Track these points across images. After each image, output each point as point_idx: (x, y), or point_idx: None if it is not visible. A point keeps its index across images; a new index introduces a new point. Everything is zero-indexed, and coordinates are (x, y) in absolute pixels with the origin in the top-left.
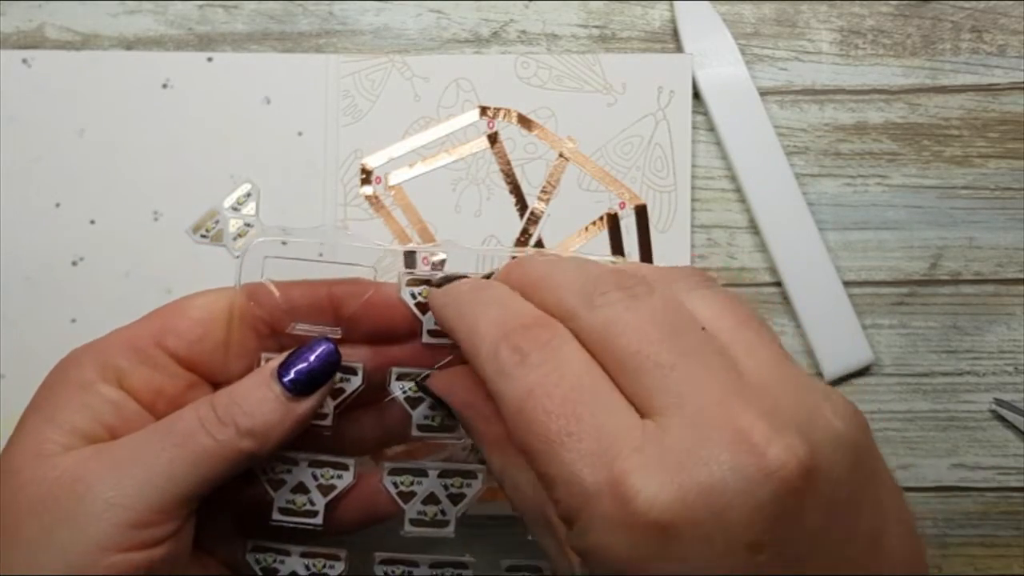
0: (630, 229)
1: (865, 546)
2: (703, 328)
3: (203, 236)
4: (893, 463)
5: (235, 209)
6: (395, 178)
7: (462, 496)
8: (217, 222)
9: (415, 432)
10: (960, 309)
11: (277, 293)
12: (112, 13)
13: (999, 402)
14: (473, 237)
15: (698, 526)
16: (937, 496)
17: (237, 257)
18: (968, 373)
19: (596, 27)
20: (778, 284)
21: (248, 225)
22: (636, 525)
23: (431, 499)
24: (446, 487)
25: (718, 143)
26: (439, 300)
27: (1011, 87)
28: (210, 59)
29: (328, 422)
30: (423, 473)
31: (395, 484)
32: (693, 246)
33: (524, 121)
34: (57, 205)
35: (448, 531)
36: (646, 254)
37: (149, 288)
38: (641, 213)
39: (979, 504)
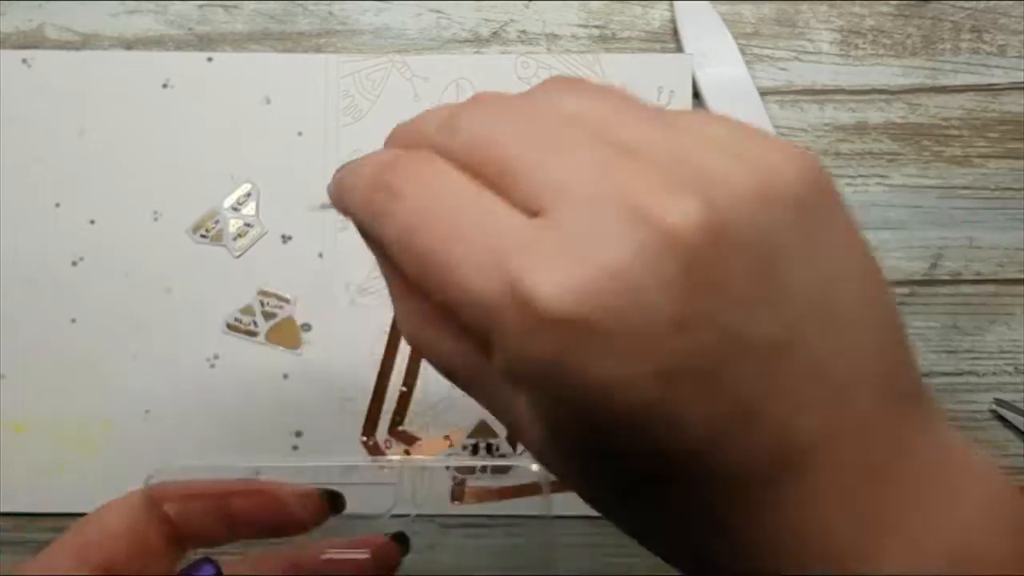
0: None
1: (807, 306)
2: (574, 118)
3: (203, 236)
4: None
5: (235, 209)
6: None
7: None
8: (217, 222)
9: None
10: (960, 309)
11: (172, 513)
12: (112, 13)
13: (999, 402)
14: None
15: (611, 313)
16: None
17: (237, 257)
18: (968, 373)
19: (596, 27)
20: None
21: (248, 225)
22: (545, 327)
23: None
24: None
25: None
26: (333, 186)
27: (1011, 87)
28: (210, 59)
29: None
30: None
31: None
32: None
33: None
34: (57, 205)
35: None
36: None
37: (149, 288)
38: None
39: None
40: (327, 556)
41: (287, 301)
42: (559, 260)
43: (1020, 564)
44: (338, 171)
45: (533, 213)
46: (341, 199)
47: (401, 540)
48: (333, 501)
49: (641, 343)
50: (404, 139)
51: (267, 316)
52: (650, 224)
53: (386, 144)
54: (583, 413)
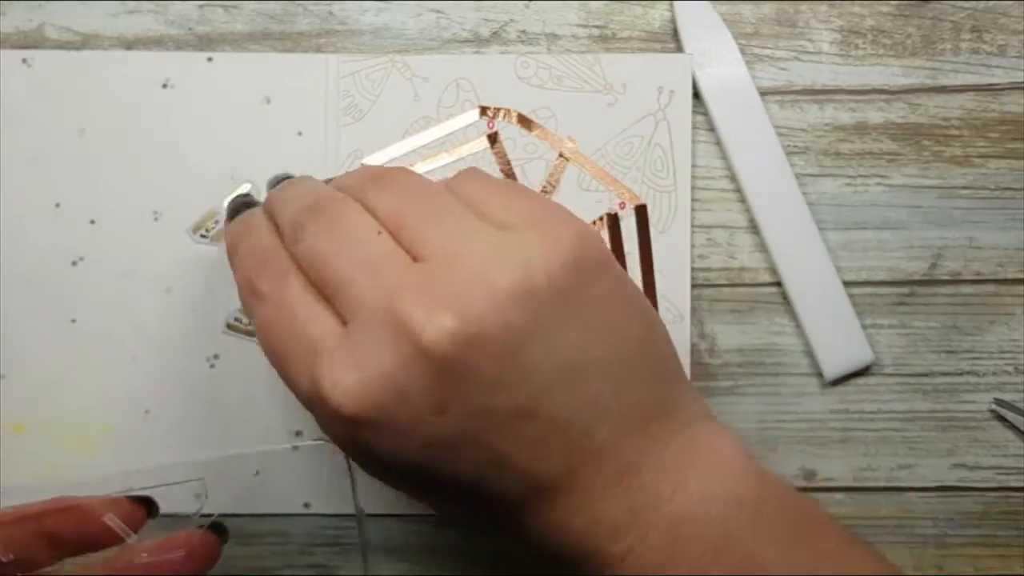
0: (630, 229)
1: (554, 372)
2: (379, 232)
3: (203, 236)
4: (893, 463)
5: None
6: None
7: None
8: (217, 222)
9: None
10: (960, 309)
11: None
12: (112, 13)
13: (999, 402)
14: None
15: (385, 410)
16: (937, 496)
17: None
18: (968, 373)
19: (596, 27)
20: (778, 284)
21: None
22: (340, 419)
23: None
24: None
25: (718, 143)
26: (226, 237)
27: (1011, 87)
28: (210, 59)
29: None
30: None
31: None
32: (693, 246)
33: (524, 121)
34: (57, 205)
35: None
36: (646, 254)
37: (149, 288)
38: (641, 213)
39: (979, 504)
40: (141, 560)
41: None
42: (347, 367)
43: (725, 525)
44: (228, 225)
45: (342, 320)
46: (230, 261)
47: (218, 530)
48: (146, 505)
49: (408, 426)
50: (274, 218)
51: None
52: (411, 339)
53: (269, 202)
54: (377, 469)
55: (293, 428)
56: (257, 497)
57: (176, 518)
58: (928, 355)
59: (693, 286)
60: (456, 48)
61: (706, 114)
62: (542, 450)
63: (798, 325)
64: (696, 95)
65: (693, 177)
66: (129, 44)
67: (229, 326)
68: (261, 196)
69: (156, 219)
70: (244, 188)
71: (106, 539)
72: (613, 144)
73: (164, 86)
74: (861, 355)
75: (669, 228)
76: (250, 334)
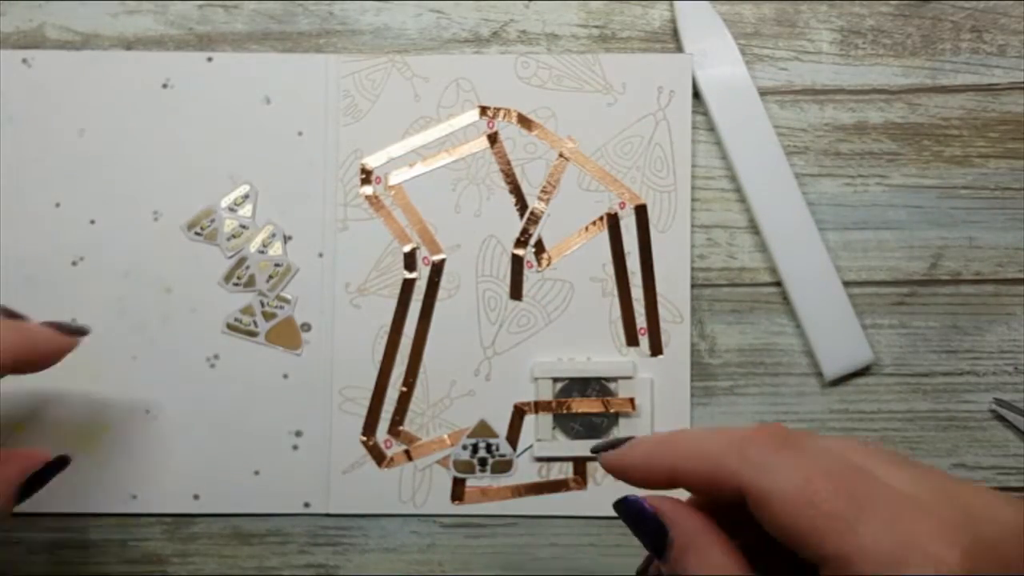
0: (630, 229)
1: None
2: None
3: (197, 234)
4: None
5: (231, 210)
6: (395, 178)
7: None
8: (212, 220)
9: None
10: (960, 309)
11: None
12: (112, 13)
13: (999, 402)
14: (473, 237)
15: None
16: None
17: (229, 258)
18: (968, 373)
19: (596, 27)
20: (778, 284)
21: (243, 227)
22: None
23: None
24: None
25: (718, 143)
26: (617, 459)
27: (1011, 87)
28: (210, 59)
29: None
30: None
31: None
32: (693, 246)
33: (524, 121)
34: (57, 205)
35: None
36: (646, 254)
37: (149, 288)
38: (641, 213)
39: None
40: None
41: (287, 301)
42: (944, 537)
43: None
44: (613, 447)
45: None
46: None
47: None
48: (71, 331)
49: None
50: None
51: (267, 316)
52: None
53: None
54: None
55: (293, 429)
56: (257, 497)
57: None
58: (928, 355)
59: (693, 286)
60: (456, 48)
61: (706, 114)
62: None
63: (798, 325)
64: (696, 95)
65: (693, 177)
66: (129, 44)
67: (229, 326)
68: (260, 197)
69: (156, 219)
70: (243, 189)
71: (37, 360)
72: (613, 144)
73: (164, 86)
74: (861, 355)
75: (669, 228)
76: (251, 334)
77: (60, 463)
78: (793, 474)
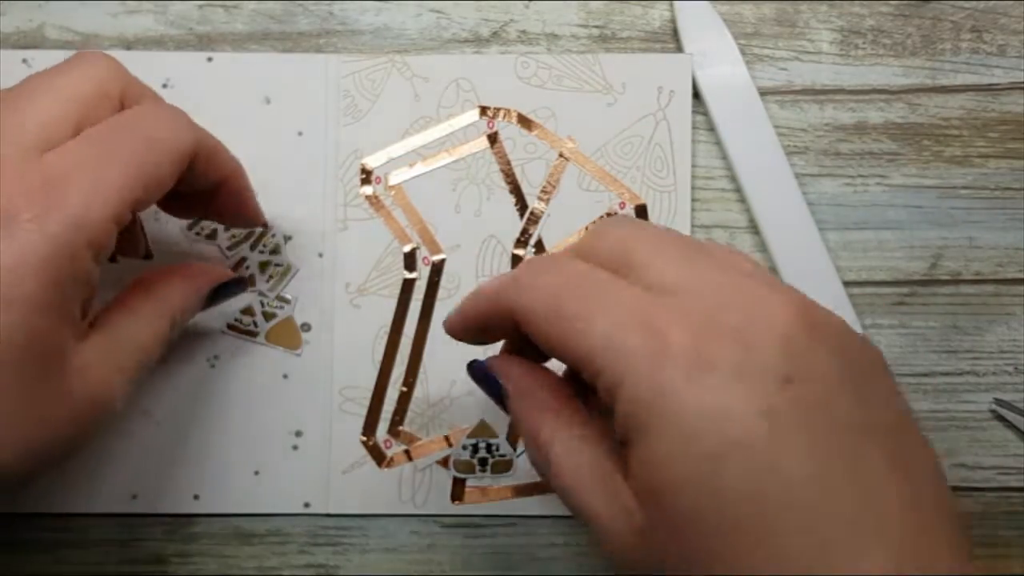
0: None
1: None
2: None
3: (197, 235)
4: None
5: None
6: (395, 178)
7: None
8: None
9: None
10: (960, 309)
11: None
12: (112, 13)
13: (999, 402)
14: (473, 237)
15: (729, 360)
16: None
17: (229, 258)
18: (968, 373)
19: (596, 27)
20: None
21: None
22: (671, 361)
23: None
24: None
25: (718, 143)
26: (448, 325)
27: (1011, 87)
28: (210, 59)
29: None
30: None
31: None
32: None
33: (524, 121)
34: None
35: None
36: None
37: None
38: (641, 213)
39: (979, 504)
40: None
41: (287, 301)
42: (691, 320)
43: None
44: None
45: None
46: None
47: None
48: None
49: (750, 387)
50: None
51: (267, 316)
52: (763, 302)
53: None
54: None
55: (293, 429)
56: (257, 497)
57: None
58: (928, 355)
59: None
60: (456, 48)
61: (706, 114)
62: None
63: None
64: (696, 95)
65: (693, 177)
66: (129, 44)
67: (229, 326)
68: (262, 197)
69: (156, 219)
70: None
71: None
72: (613, 144)
73: (164, 86)
74: None
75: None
76: (251, 334)
77: (241, 281)
78: (545, 290)
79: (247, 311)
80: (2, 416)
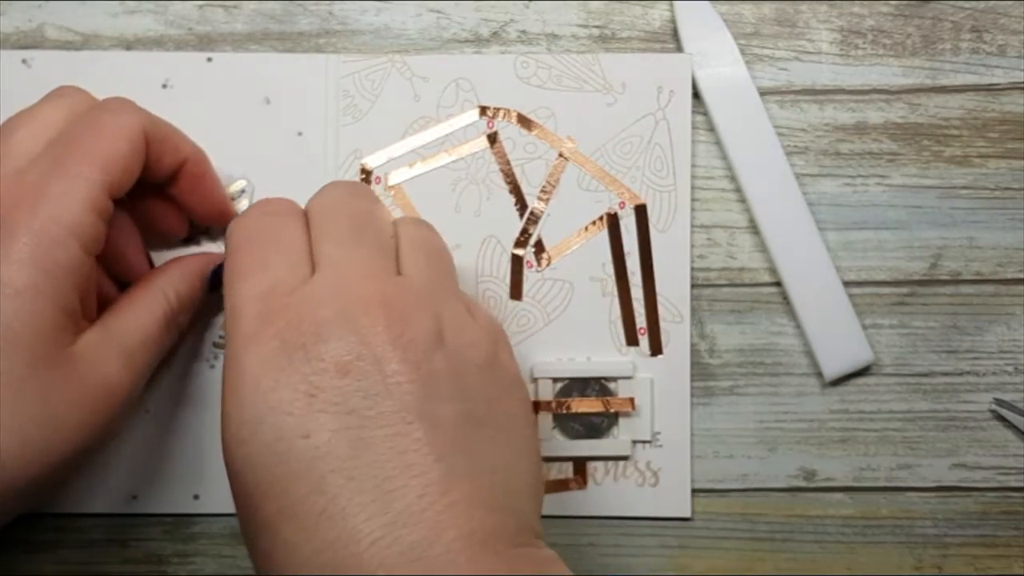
0: (630, 229)
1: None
2: (392, 239)
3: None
4: (893, 463)
5: None
6: (395, 178)
7: None
8: None
9: None
10: (960, 309)
11: None
12: (112, 13)
13: (999, 402)
14: (473, 237)
15: (303, 344)
16: (937, 496)
17: None
18: (968, 373)
19: (596, 27)
20: (778, 284)
21: None
22: (263, 335)
23: None
24: None
25: (718, 143)
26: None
27: (1011, 87)
28: (210, 59)
29: None
30: None
31: None
32: (693, 246)
33: (524, 121)
34: None
35: None
36: (646, 254)
37: None
38: (641, 213)
39: (979, 504)
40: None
41: None
42: (301, 306)
43: None
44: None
45: (316, 268)
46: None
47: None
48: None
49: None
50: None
51: None
52: (365, 308)
53: None
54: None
55: None
56: None
57: None
58: (928, 355)
59: (693, 286)
60: (456, 48)
61: (706, 114)
62: None
63: (798, 325)
64: (696, 95)
65: (693, 177)
66: (129, 44)
67: (216, 345)
68: (256, 194)
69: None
70: (240, 184)
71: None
72: (613, 144)
73: (164, 86)
74: (861, 355)
75: (669, 228)
76: None
77: None
78: (240, 234)
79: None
80: (5, 414)
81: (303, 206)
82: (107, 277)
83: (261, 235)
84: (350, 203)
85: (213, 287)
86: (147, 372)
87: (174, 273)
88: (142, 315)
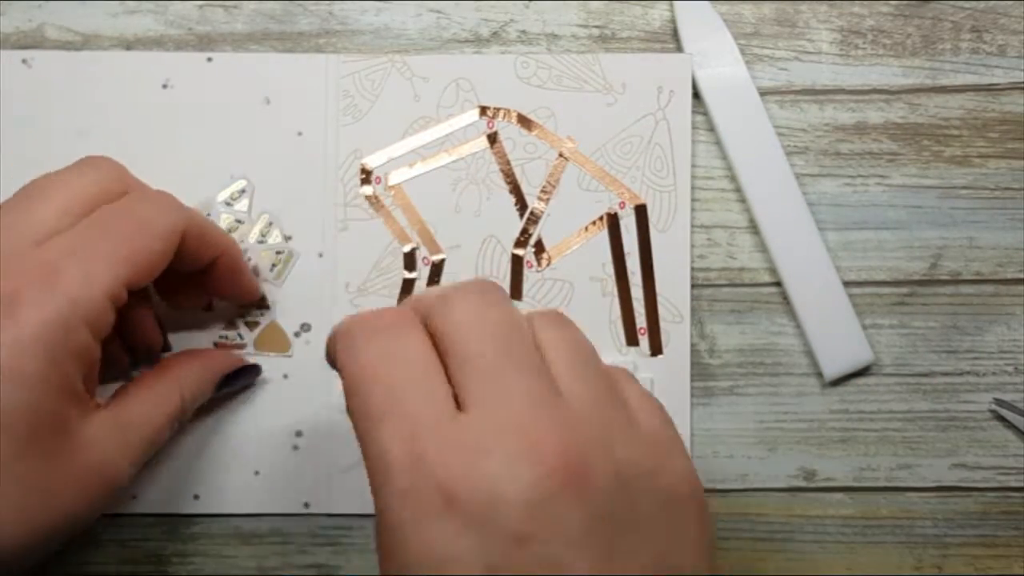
0: (630, 229)
1: (630, 562)
2: (537, 350)
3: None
4: (893, 463)
5: (228, 204)
6: (395, 178)
7: None
8: (209, 215)
9: None
10: (960, 309)
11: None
12: (112, 13)
13: (999, 402)
14: (473, 237)
15: (473, 509)
16: (937, 496)
17: None
18: (968, 373)
19: (596, 27)
20: (778, 284)
21: (239, 221)
22: (423, 491)
23: None
24: None
25: (718, 143)
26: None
27: (1011, 87)
28: (210, 59)
29: None
30: None
31: None
32: (693, 246)
33: (524, 121)
34: None
35: None
36: (646, 254)
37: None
38: (641, 213)
39: (979, 504)
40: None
41: (267, 307)
42: (458, 452)
43: None
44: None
45: (464, 406)
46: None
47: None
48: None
49: (483, 538)
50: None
51: (250, 325)
52: (535, 455)
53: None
54: None
55: (293, 429)
56: (257, 497)
57: None
58: (928, 355)
59: (693, 286)
60: (456, 48)
61: (706, 114)
62: None
63: (798, 325)
64: (696, 95)
65: (693, 177)
66: (129, 44)
67: (216, 345)
68: (262, 197)
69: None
70: (239, 184)
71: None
72: (613, 144)
73: (164, 86)
74: (861, 355)
75: (669, 228)
76: (238, 347)
77: (254, 369)
78: (362, 360)
79: (229, 325)
80: (3, 489)
81: (412, 312)
82: (116, 337)
83: (384, 363)
84: (486, 315)
85: (221, 387)
86: (144, 462)
87: (192, 371)
88: (154, 413)
